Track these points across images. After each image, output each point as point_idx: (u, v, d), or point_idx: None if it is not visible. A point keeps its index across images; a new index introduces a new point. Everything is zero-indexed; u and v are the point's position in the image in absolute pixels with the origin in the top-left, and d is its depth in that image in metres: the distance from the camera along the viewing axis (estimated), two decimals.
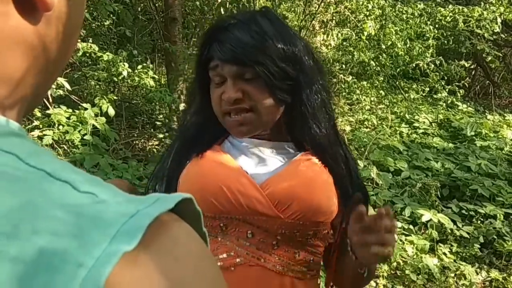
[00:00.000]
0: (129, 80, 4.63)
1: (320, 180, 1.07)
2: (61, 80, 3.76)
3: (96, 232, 0.30)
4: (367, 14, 6.02)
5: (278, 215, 1.02)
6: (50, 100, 4.04)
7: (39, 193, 0.32)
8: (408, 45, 6.39)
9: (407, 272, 3.29)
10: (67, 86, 3.85)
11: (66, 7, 0.41)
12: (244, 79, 1.02)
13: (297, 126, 1.09)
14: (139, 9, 6.58)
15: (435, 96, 7.24)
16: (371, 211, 3.85)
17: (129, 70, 4.43)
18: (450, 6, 7.26)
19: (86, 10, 4.39)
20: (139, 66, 4.70)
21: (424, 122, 6.58)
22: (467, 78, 8.21)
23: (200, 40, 1.12)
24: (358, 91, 6.56)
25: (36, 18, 0.39)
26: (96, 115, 4.00)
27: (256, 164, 1.09)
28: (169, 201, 0.35)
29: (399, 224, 3.73)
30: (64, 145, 4.08)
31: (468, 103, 8.12)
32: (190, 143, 1.13)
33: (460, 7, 7.04)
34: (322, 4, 5.97)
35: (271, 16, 1.08)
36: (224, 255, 1.03)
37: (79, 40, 4.27)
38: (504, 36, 8.63)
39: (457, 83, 7.20)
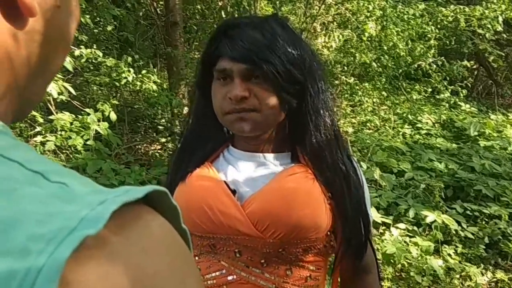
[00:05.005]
0: (131, 85, 4.64)
1: (303, 194, 1.00)
2: (65, 85, 3.76)
3: (60, 219, 0.30)
4: (368, 15, 6.01)
5: (260, 235, 0.98)
6: (53, 105, 4.05)
7: (10, 182, 0.32)
8: (409, 46, 6.37)
9: (412, 274, 3.28)
10: (71, 90, 3.84)
11: (44, 27, 0.41)
12: (252, 79, 1.01)
13: (299, 133, 1.06)
14: (140, 14, 6.60)
15: (437, 96, 7.22)
16: (375, 213, 3.78)
17: (134, 75, 4.44)
18: (452, 6, 7.24)
19: (88, 16, 4.40)
20: (143, 71, 4.71)
21: (427, 122, 6.57)
22: (470, 78, 8.19)
23: (210, 36, 1.09)
24: (360, 93, 6.55)
25: (20, 25, 0.39)
26: (98, 120, 4.01)
27: (245, 180, 1.06)
28: (139, 192, 0.34)
29: (403, 226, 3.71)
30: (66, 151, 4.09)
31: (471, 103, 8.11)
32: (186, 156, 1.13)
33: (462, 7, 7.02)
34: (323, 6, 5.97)
35: (283, 21, 1.08)
36: (217, 273, 1.01)
37: (82, 47, 4.27)
38: (506, 36, 8.61)
39: (459, 83, 7.18)
